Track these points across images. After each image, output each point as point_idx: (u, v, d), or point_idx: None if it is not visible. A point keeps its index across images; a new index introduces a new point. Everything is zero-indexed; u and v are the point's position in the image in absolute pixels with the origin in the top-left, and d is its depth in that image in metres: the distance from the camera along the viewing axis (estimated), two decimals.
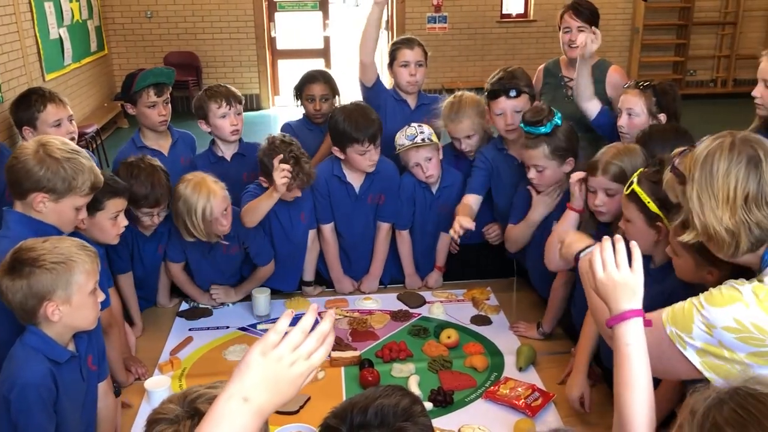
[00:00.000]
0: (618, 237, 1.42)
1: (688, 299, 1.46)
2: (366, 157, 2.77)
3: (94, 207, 2.19)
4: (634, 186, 1.95)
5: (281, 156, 2.58)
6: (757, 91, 2.43)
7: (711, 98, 9.64)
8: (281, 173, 2.54)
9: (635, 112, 2.60)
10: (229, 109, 2.94)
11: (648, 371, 1.35)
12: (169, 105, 2.99)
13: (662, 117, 2.62)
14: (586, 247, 1.80)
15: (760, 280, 1.41)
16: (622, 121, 2.63)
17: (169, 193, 2.60)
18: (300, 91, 3.24)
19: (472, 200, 2.84)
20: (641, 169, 2.01)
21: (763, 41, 10.26)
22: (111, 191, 2.26)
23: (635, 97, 2.61)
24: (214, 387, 1.21)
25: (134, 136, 3.02)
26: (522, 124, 2.52)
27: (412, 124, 2.87)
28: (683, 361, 1.45)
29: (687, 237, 1.49)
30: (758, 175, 1.38)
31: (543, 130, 2.45)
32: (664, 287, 1.94)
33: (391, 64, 3.15)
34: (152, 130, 2.98)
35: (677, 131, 2.39)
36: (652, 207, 1.91)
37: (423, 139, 2.81)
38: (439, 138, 2.95)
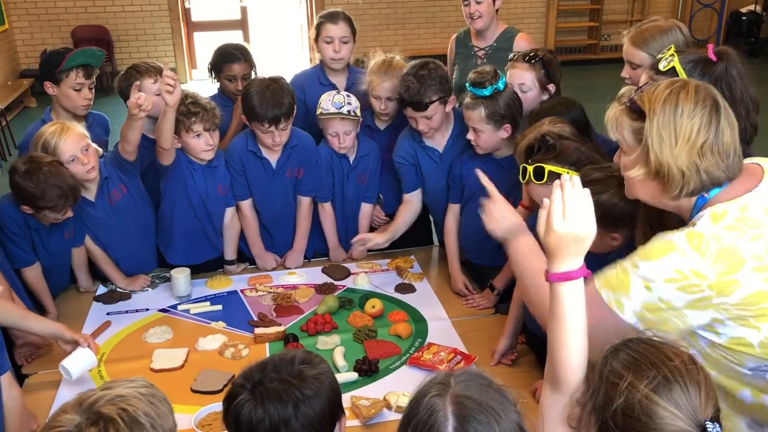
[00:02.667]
0: (576, 179, 1.35)
1: (618, 263, 1.45)
2: (268, 137, 2.72)
3: None
4: (548, 168, 1.97)
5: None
6: (626, 72, 2.35)
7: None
8: (165, 81, 2.47)
9: (527, 86, 2.60)
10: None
11: (585, 329, 1.35)
12: (94, 90, 2.86)
13: (552, 87, 2.62)
14: (516, 230, 1.76)
15: (693, 225, 1.43)
16: None
17: (78, 181, 2.49)
18: (218, 68, 3.13)
19: (416, 197, 2.89)
20: (529, 161, 2.04)
21: (671, 5, 10.65)
22: None
23: (525, 72, 2.60)
24: (110, 387, 1.15)
25: (45, 116, 2.84)
26: (467, 84, 2.52)
27: (341, 92, 2.82)
28: (622, 323, 1.43)
29: (636, 173, 1.49)
30: (718, 122, 1.41)
31: (483, 92, 2.45)
32: None
33: (316, 39, 3.07)
34: (71, 113, 2.81)
35: (566, 103, 2.43)
36: (573, 174, 1.94)
37: (349, 111, 2.77)
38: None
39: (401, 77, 2.66)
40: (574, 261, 1.32)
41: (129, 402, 1.12)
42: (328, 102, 2.79)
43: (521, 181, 2.12)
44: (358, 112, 2.81)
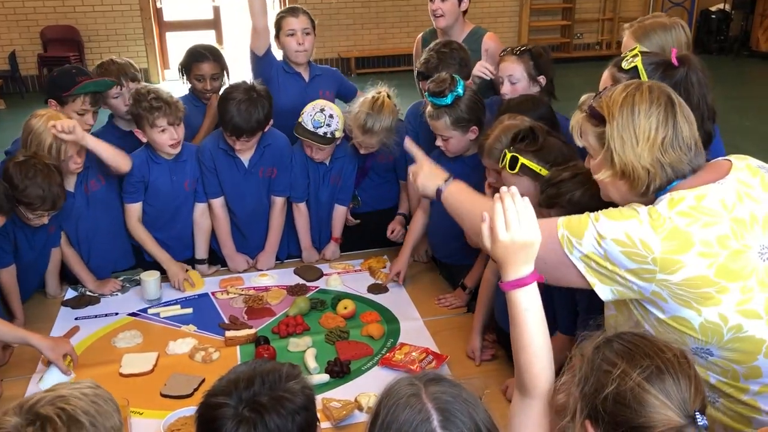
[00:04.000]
0: (514, 190, 1.38)
1: (586, 213, 1.52)
2: (236, 145, 2.73)
3: None
4: (522, 160, 1.96)
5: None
6: None
7: (597, 60, 10.02)
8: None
9: (516, 77, 2.63)
10: (120, 89, 2.84)
11: (545, 331, 1.37)
12: (98, 113, 2.84)
13: (542, 79, 2.66)
14: (446, 180, 1.87)
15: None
16: (505, 88, 2.65)
17: (65, 194, 2.47)
18: (187, 68, 3.11)
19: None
20: (511, 147, 2.02)
21: (643, 3, 10.76)
22: None
23: (514, 64, 2.63)
24: (54, 390, 1.16)
25: None
26: (427, 94, 2.53)
27: (326, 110, 2.76)
28: (568, 264, 1.50)
29: (602, 175, 1.55)
30: (675, 118, 1.47)
31: (444, 101, 2.46)
32: None
33: (278, 35, 3.07)
34: None
35: (533, 101, 2.46)
36: (545, 172, 1.96)
37: (325, 134, 2.74)
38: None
39: (419, 61, 2.81)
40: (524, 268, 1.35)
41: (68, 402, 1.13)
42: (308, 115, 2.75)
43: (499, 165, 2.07)
44: (337, 134, 2.78)
